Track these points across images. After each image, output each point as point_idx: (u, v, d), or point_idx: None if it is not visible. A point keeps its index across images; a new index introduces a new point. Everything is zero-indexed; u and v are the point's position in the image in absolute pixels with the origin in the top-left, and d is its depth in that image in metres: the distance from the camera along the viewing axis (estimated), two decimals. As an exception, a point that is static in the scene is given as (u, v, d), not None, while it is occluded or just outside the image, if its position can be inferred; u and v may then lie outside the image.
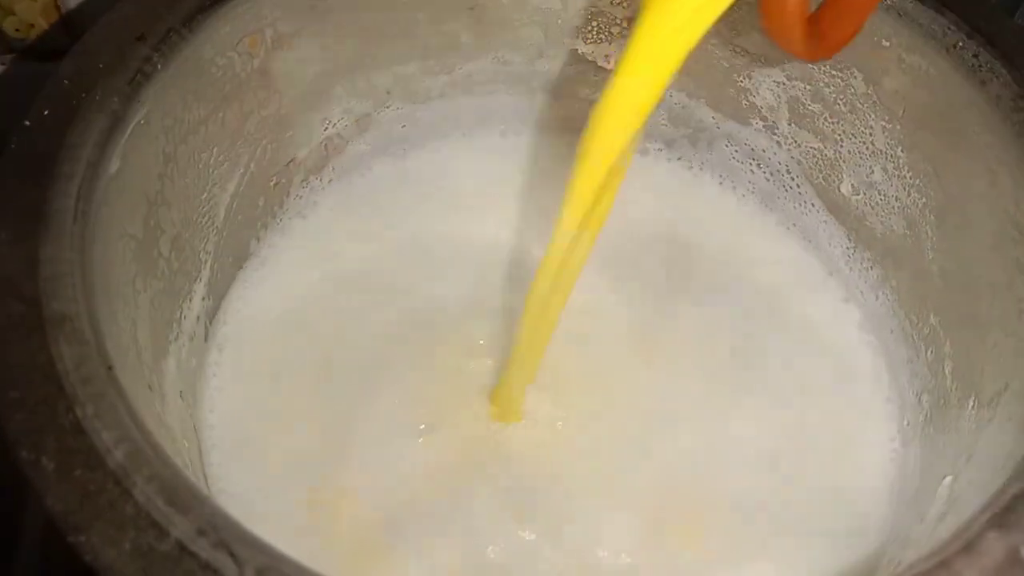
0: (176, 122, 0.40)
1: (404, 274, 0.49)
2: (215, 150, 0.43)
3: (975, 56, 0.40)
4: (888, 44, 0.43)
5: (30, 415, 0.28)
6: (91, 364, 0.29)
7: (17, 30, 0.57)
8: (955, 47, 0.40)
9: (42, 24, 0.57)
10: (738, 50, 0.49)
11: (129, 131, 0.36)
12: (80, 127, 0.35)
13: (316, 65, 0.46)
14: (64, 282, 0.31)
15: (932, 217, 0.44)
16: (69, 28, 0.56)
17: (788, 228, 0.51)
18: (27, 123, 0.35)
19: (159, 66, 0.38)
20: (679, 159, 0.54)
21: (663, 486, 0.42)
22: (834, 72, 0.46)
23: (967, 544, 0.27)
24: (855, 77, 0.45)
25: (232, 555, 0.25)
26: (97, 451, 0.27)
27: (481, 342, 0.46)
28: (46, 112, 0.35)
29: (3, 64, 0.58)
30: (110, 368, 0.29)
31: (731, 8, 0.30)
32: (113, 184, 0.35)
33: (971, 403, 0.39)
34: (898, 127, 0.45)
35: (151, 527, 0.26)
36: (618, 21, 0.50)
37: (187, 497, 0.26)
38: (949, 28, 0.41)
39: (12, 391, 0.28)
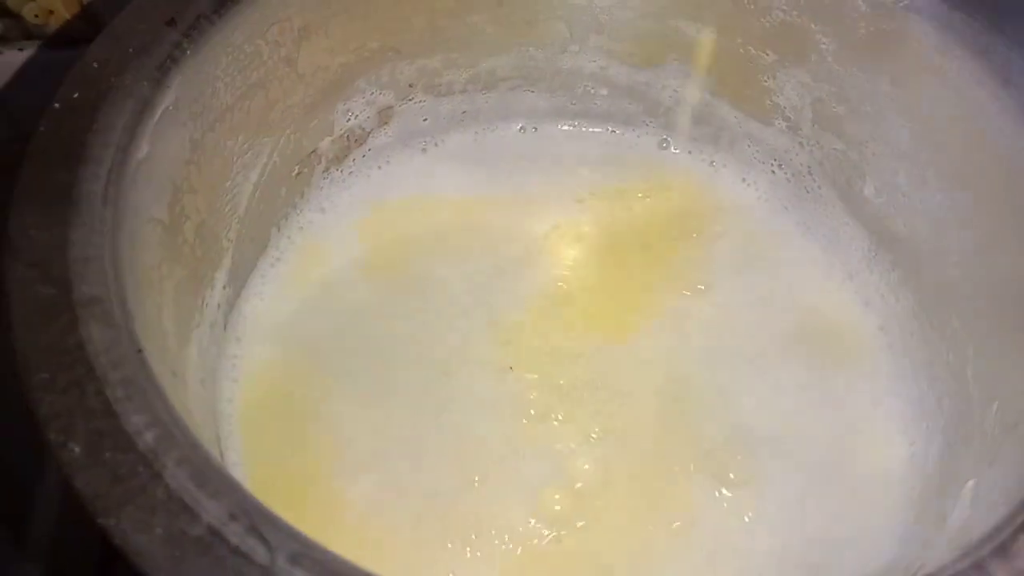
0: (204, 108, 0.39)
1: (423, 267, 0.49)
2: (240, 138, 0.43)
3: (1005, 60, 0.40)
4: (916, 46, 0.43)
5: (59, 397, 0.28)
6: (121, 347, 0.29)
7: (36, 16, 0.56)
8: (984, 51, 0.40)
9: (61, 11, 0.56)
10: (764, 50, 0.49)
11: (158, 116, 0.36)
12: (109, 111, 0.35)
13: (341, 56, 0.46)
14: (94, 265, 0.31)
15: (956, 221, 0.44)
16: (90, 16, 0.56)
17: (808, 228, 0.51)
18: (56, 106, 0.35)
19: (188, 52, 0.38)
20: (701, 156, 0.54)
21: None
22: (860, 74, 0.46)
23: (1000, 546, 0.27)
24: (881, 79, 0.45)
25: (264, 540, 0.25)
26: (127, 434, 0.27)
27: (496, 329, 0.46)
28: (75, 95, 0.35)
29: (22, 50, 0.58)
30: (140, 351, 0.29)
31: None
32: (142, 169, 0.35)
33: (995, 407, 0.39)
34: (924, 130, 0.44)
35: (182, 511, 0.26)
36: (646, 17, 0.50)
37: (218, 481, 0.26)
38: (979, 31, 0.40)
39: (41, 373, 0.28)
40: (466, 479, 0.42)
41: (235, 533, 0.25)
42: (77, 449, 0.27)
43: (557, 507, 0.41)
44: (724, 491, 0.42)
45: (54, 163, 0.33)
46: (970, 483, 0.37)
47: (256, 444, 0.43)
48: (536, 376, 0.45)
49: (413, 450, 0.43)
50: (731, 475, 0.43)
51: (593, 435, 0.43)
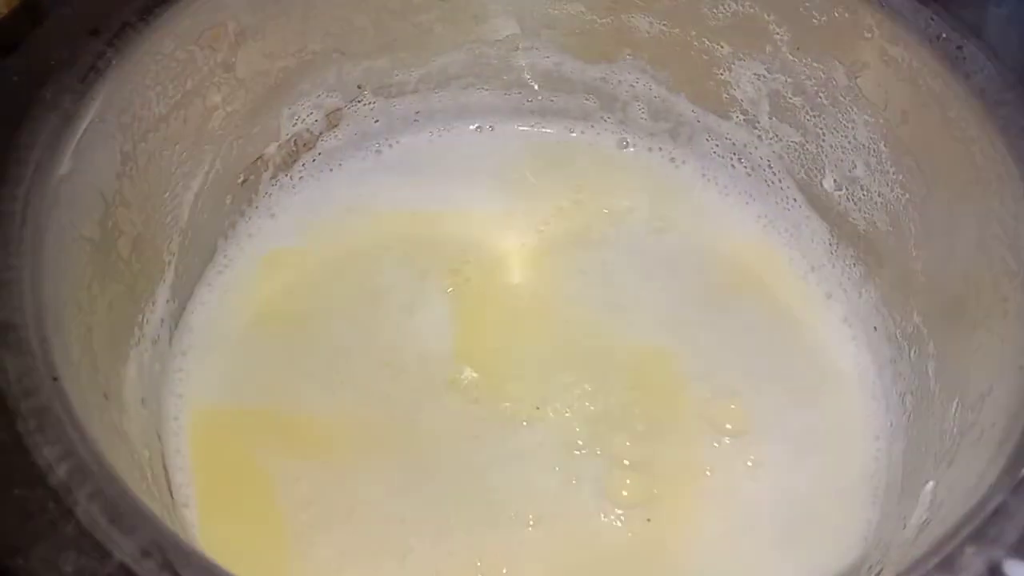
0: (134, 119, 0.38)
1: (378, 274, 0.48)
2: (177, 147, 0.41)
3: (959, 48, 0.39)
4: (870, 36, 0.42)
5: (-32, 431, 0.26)
6: (35, 376, 0.28)
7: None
8: (938, 38, 0.39)
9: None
10: (718, 42, 0.47)
11: (82, 130, 0.35)
12: (29, 127, 0.34)
13: (282, 59, 0.45)
14: (9, 290, 0.30)
15: (916, 213, 0.43)
16: (32, 14, 0.54)
17: (770, 222, 0.50)
18: (-27, 122, 0.33)
19: (114, 61, 0.37)
20: (660, 152, 0.53)
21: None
22: (816, 64, 0.45)
23: (945, 559, 0.26)
24: (837, 70, 0.44)
25: (177, 578, 0.24)
26: (38, 468, 0.26)
27: (447, 334, 0.45)
28: (-7, 112, 0.34)
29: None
30: (55, 379, 0.28)
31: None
32: (65, 186, 0.34)
33: (955, 405, 0.38)
34: (880, 121, 0.43)
35: (94, 548, 0.25)
36: (596, 11, 0.49)
37: (132, 516, 0.25)
38: (932, 19, 0.39)
39: (-51, 406, 0.27)
40: (420, 467, 0.41)
41: (148, 570, 0.24)
42: (-15, 485, 0.26)
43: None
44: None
45: (-31, 183, 0.32)
46: (929, 484, 0.37)
47: (205, 459, 0.42)
48: (498, 378, 0.44)
49: (367, 443, 0.42)
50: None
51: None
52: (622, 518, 0.41)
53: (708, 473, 0.42)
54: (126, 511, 0.25)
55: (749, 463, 0.43)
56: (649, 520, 0.41)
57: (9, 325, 0.29)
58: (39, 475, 0.26)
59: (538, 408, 0.43)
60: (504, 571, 0.39)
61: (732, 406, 0.44)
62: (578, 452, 0.42)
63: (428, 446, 0.42)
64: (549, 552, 0.40)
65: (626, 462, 0.42)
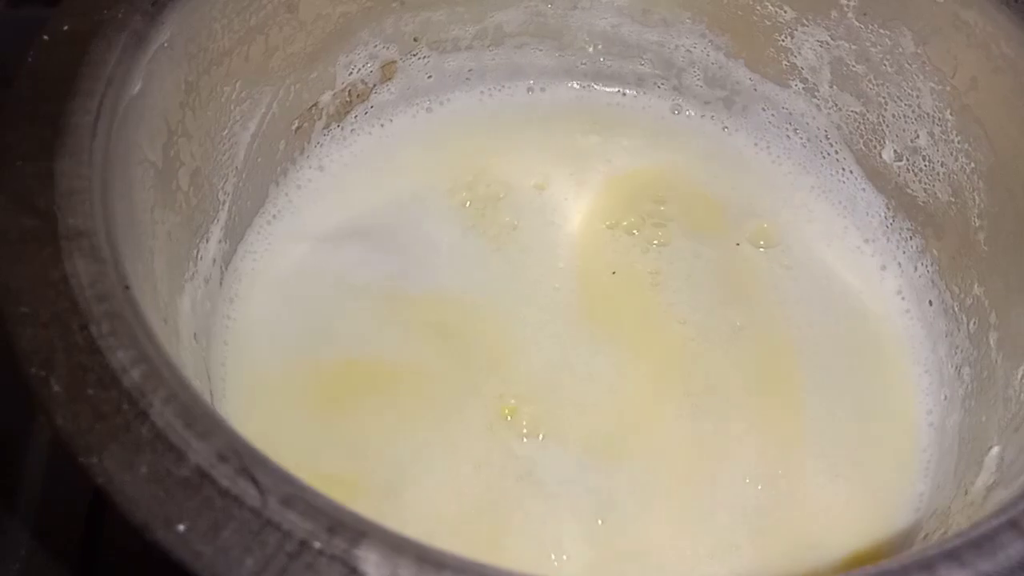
0: (200, 50, 0.38)
1: (422, 230, 0.47)
2: (238, 84, 0.41)
3: (1036, 11, 0.38)
4: (942, 0, 0.41)
5: (41, 331, 0.26)
6: (107, 282, 0.27)
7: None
8: (1016, 0, 0.39)
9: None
10: (781, 6, 0.47)
11: (151, 53, 0.35)
12: (101, 44, 0.33)
13: (344, 4, 0.45)
14: (82, 198, 0.29)
15: (980, 183, 0.42)
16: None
17: (823, 193, 0.50)
18: (45, 37, 0.33)
19: (184, -12, 0.36)
20: (712, 119, 0.52)
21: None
22: (883, 31, 0.45)
23: (1013, 518, 0.25)
24: (904, 36, 0.44)
25: (255, 482, 0.24)
26: (112, 370, 0.25)
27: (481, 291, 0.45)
28: (65, 27, 0.33)
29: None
30: (127, 287, 0.28)
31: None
32: (134, 105, 0.34)
33: (1020, 373, 0.38)
34: (948, 88, 0.43)
35: (169, 451, 0.24)
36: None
37: (207, 421, 0.25)
38: (1010, -19, 0.39)
39: (22, 306, 0.26)
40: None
41: (225, 475, 0.24)
42: (58, 385, 0.25)
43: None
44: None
45: (42, 94, 0.31)
46: (994, 450, 0.36)
47: (246, 412, 0.41)
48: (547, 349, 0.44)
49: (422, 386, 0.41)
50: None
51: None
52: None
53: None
54: (200, 415, 0.25)
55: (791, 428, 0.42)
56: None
57: (82, 231, 0.28)
58: (113, 377, 0.25)
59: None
60: None
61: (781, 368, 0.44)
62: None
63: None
64: None
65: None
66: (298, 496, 0.23)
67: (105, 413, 0.25)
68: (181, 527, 0.23)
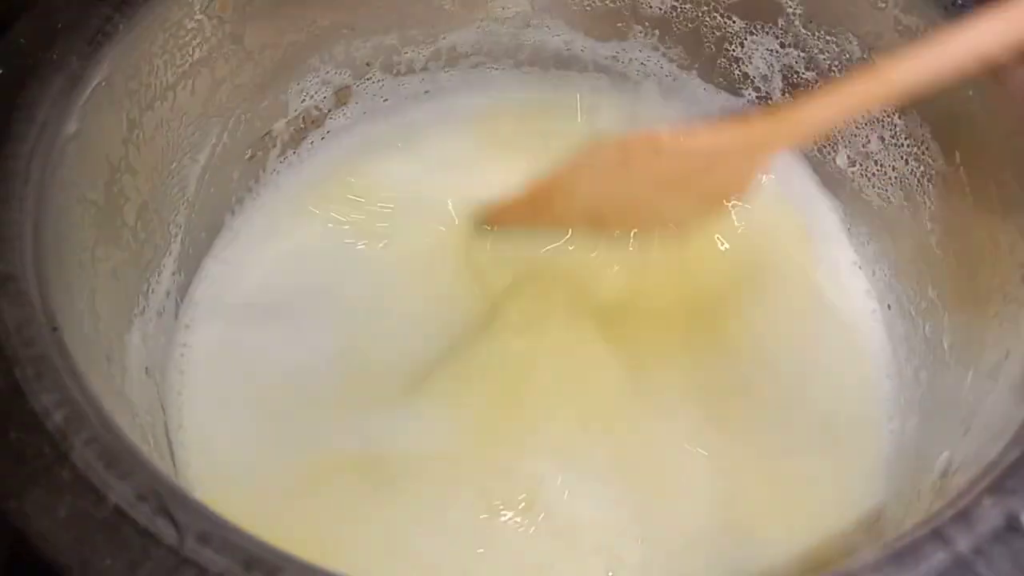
0: (141, 86, 0.38)
1: (384, 254, 0.48)
2: (184, 118, 0.41)
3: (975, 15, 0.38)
4: (884, 5, 0.41)
5: (-34, 377, 0.26)
6: (34, 326, 0.28)
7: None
8: (953, 4, 0.39)
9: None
10: (730, 16, 0.47)
11: (88, 93, 0.35)
12: (36, 87, 0.34)
13: (291, 33, 0.45)
14: (11, 244, 0.30)
15: (930, 186, 0.42)
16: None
17: (782, 200, 0.50)
18: (-21, 82, 0.33)
19: (121, 26, 0.36)
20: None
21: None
22: (829, 37, 0.45)
23: (962, 511, 0.25)
24: (850, 42, 0.44)
25: (173, 521, 0.24)
26: (35, 413, 0.26)
27: (456, 299, 0.45)
28: (0, 72, 0.34)
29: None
30: (55, 329, 0.28)
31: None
32: (70, 147, 0.34)
33: (969, 376, 0.37)
34: (895, 93, 0.43)
35: (89, 492, 0.24)
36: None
37: (128, 461, 0.25)
38: (946, -14, 0.39)
39: (-53, 353, 0.27)
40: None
41: (143, 514, 0.24)
42: (-18, 431, 0.25)
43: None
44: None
45: (-26, 140, 0.32)
46: (944, 454, 0.36)
47: (206, 441, 0.41)
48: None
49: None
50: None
51: None
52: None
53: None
54: (122, 456, 0.25)
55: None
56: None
57: (9, 276, 0.28)
58: (36, 420, 0.25)
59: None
60: None
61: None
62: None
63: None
64: None
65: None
66: (215, 533, 0.24)
67: (27, 456, 0.25)
68: (100, 567, 0.23)
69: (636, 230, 0.43)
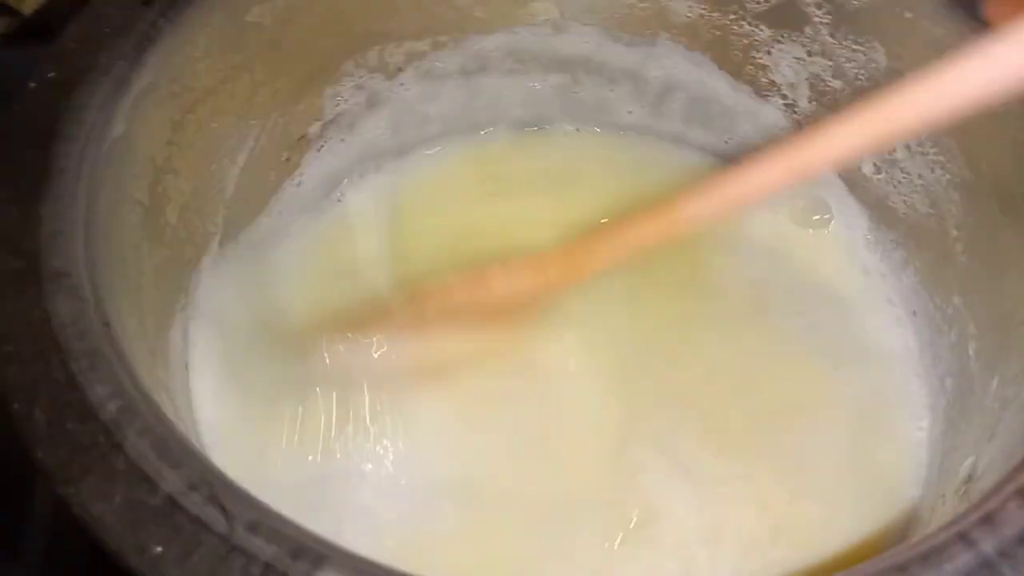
0: (184, 89, 0.39)
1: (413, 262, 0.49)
2: (224, 120, 0.42)
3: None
4: (911, 15, 0.42)
5: (24, 368, 0.27)
6: (87, 320, 0.29)
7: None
8: (978, 16, 0.39)
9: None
10: (758, 25, 0.48)
11: (134, 95, 0.36)
12: (84, 90, 0.35)
13: (327, 38, 0.46)
14: (64, 239, 0.31)
15: (956, 194, 0.43)
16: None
17: (808, 206, 0.50)
18: (32, 85, 0.35)
19: (165, 32, 0.37)
20: (698, 135, 0.53)
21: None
22: (856, 47, 0.45)
23: (987, 515, 0.26)
24: (877, 51, 0.44)
25: (223, 509, 0.25)
26: (90, 404, 0.27)
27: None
28: (51, 74, 0.35)
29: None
30: (107, 324, 0.29)
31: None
32: (118, 147, 0.35)
33: (995, 383, 0.38)
34: (921, 101, 0.43)
35: (142, 481, 0.25)
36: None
37: (179, 452, 0.26)
38: (974, -3, 0.39)
39: (6, 345, 0.28)
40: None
41: (194, 502, 0.25)
42: (40, 420, 0.26)
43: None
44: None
45: (28, 140, 0.33)
46: (969, 460, 0.36)
47: (227, 442, 0.41)
48: None
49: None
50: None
51: None
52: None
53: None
54: (173, 447, 0.26)
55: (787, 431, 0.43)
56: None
57: (64, 272, 0.29)
58: (91, 411, 0.26)
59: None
60: None
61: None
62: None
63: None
64: None
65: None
66: (263, 522, 0.25)
67: (83, 446, 0.26)
68: (153, 553, 0.24)
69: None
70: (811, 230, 0.50)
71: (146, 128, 0.37)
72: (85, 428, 0.26)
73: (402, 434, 0.42)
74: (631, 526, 0.40)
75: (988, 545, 0.25)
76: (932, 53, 0.41)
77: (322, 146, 0.50)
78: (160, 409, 0.28)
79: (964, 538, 0.25)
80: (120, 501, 0.25)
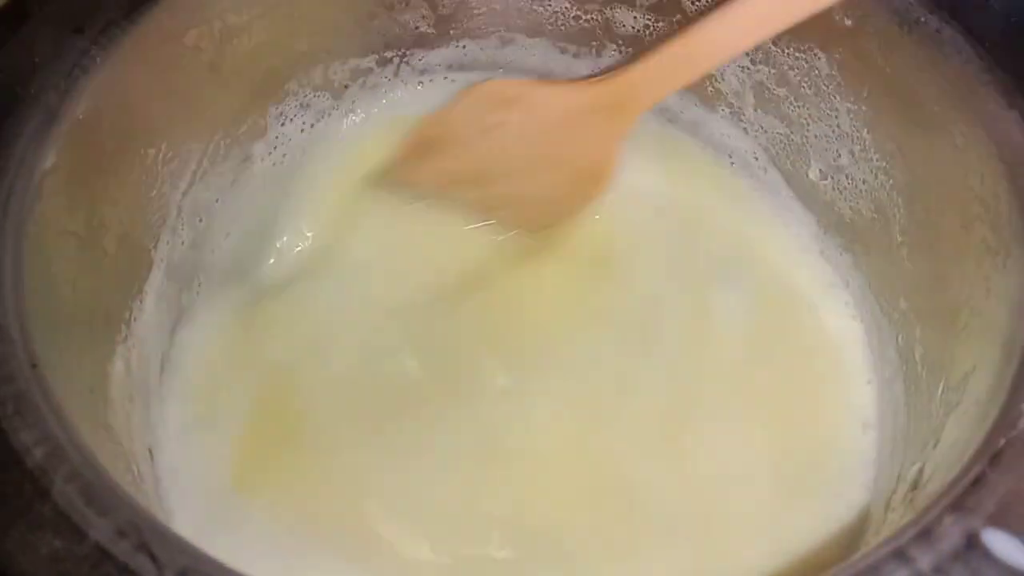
0: (120, 117, 0.38)
1: (369, 273, 0.48)
2: (164, 146, 0.42)
3: (937, 31, 0.39)
4: (850, 22, 0.42)
5: (-54, 416, 0.27)
6: (14, 363, 0.28)
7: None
8: (917, 22, 0.39)
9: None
10: (701, 35, 0.48)
11: (66, 127, 0.35)
12: (13, 122, 0.34)
13: (268, 59, 0.45)
14: (-10, 281, 0.30)
15: (899, 199, 0.43)
16: (18, 11, 0.53)
17: (755, 212, 0.50)
18: (-43, 119, 0.34)
19: (99, 59, 0.37)
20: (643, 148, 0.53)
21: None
22: (798, 54, 0.45)
23: (923, 529, 0.26)
24: (819, 58, 0.44)
25: (152, 557, 0.24)
26: (15, 450, 0.26)
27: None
28: (-23, 108, 0.34)
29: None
30: (34, 366, 0.28)
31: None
32: (49, 180, 0.34)
33: (940, 388, 0.38)
34: (863, 108, 0.44)
35: (69, 530, 0.25)
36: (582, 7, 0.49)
37: (108, 497, 0.26)
38: (910, 3, 0.40)
39: (-72, 392, 0.27)
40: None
41: (123, 551, 0.24)
42: (-38, 470, 0.26)
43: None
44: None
45: (-47, 177, 0.32)
46: (915, 466, 0.37)
47: (188, 473, 0.41)
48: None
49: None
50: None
51: None
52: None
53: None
54: (102, 492, 0.26)
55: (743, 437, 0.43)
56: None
57: (-11, 314, 0.29)
58: (15, 458, 0.26)
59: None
60: None
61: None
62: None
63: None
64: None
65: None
66: (193, 568, 0.24)
67: (7, 495, 0.25)
68: (81, 605, 0.24)
69: (523, 211, 0.46)
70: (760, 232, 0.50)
71: (79, 159, 0.36)
72: (9, 476, 0.25)
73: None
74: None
75: (924, 562, 0.25)
76: (871, 58, 0.42)
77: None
78: (90, 452, 0.27)
79: (901, 555, 0.25)
80: (46, 552, 0.24)
